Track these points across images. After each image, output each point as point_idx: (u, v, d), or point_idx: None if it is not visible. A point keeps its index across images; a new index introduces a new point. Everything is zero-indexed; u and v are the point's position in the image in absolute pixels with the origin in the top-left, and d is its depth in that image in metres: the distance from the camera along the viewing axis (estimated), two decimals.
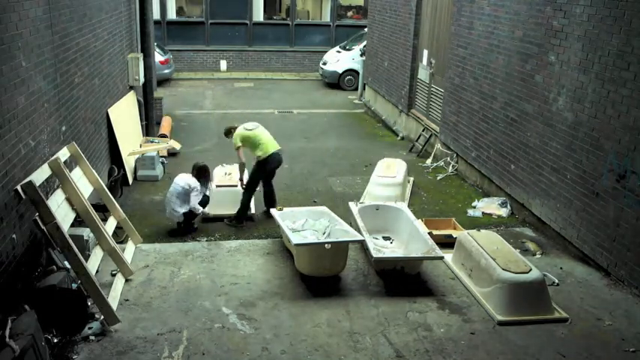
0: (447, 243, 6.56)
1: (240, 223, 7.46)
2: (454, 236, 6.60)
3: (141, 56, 10.33)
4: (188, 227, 7.22)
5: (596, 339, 5.12)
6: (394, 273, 6.02)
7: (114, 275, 5.82)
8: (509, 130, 7.98)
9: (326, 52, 18.67)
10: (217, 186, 7.89)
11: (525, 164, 7.58)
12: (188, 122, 12.94)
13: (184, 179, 7.15)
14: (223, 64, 19.69)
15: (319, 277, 5.93)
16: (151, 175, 9.10)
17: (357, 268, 6.28)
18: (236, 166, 8.16)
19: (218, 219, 7.53)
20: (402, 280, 5.99)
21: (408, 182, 8.92)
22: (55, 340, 4.69)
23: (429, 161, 10.38)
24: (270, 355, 4.78)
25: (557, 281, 6.05)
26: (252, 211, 7.74)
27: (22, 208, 5.14)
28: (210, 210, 7.51)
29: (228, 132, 7.77)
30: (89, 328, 4.93)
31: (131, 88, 10.38)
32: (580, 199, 6.50)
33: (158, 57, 15.40)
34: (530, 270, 5.50)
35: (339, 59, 17.65)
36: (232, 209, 7.51)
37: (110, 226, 6.42)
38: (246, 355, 4.78)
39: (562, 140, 6.81)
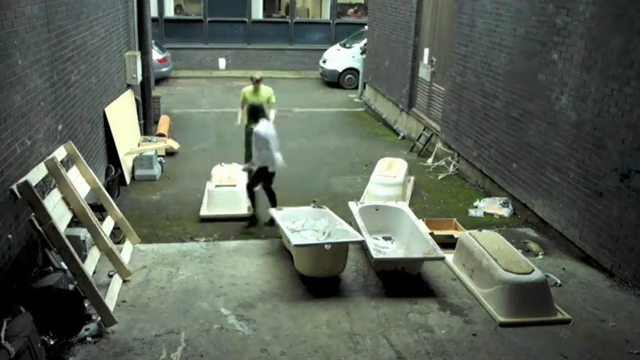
0: (448, 243, 6.50)
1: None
2: (455, 236, 6.54)
3: (138, 54, 10.29)
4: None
5: (600, 340, 5.07)
6: (395, 274, 5.96)
7: (111, 276, 5.77)
8: (511, 129, 7.93)
9: (326, 50, 18.61)
10: (216, 186, 7.87)
11: (527, 164, 7.53)
12: (186, 121, 12.89)
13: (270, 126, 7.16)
14: (222, 63, 19.63)
15: (319, 278, 5.88)
16: (148, 174, 9.04)
17: (357, 269, 6.23)
18: (234, 166, 8.38)
19: (217, 219, 7.48)
20: (403, 280, 5.94)
21: (409, 182, 8.86)
22: (52, 342, 4.65)
23: (429, 161, 10.33)
24: (270, 357, 4.73)
25: (559, 282, 6.00)
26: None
27: (18, 208, 5.09)
28: (209, 211, 7.65)
29: None
30: (86, 330, 4.88)
31: (129, 86, 10.33)
32: (583, 199, 6.44)
33: (156, 55, 15.37)
34: (533, 271, 5.45)
35: (339, 57, 17.60)
36: (230, 210, 7.58)
37: (107, 226, 6.37)
38: (245, 356, 4.73)
39: (565, 139, 6.76)
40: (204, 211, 7.60)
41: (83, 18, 7.35)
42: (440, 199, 8.59)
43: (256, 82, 8.77)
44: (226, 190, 7.76)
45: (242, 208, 7.67)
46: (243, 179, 7.99)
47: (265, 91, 8.88)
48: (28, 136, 5.34)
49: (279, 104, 14.97)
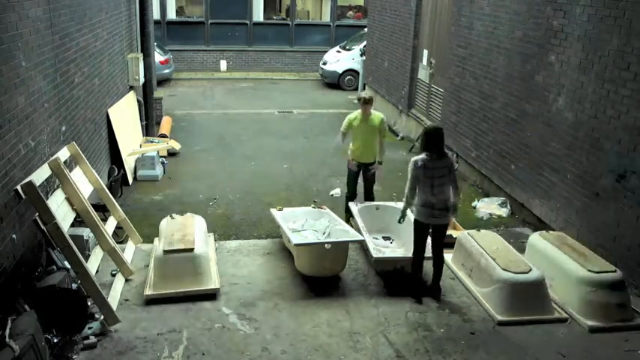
0: (446, 243, 6.54)
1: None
2: (454, 236, 6.59)
3: (141, 56, 10.34)
4: None
5: (596, 339, 5.12)
6: (394, 273, 6.01)
7: (114, 275, 5.82)
8: (509, 130, 7.98)
9: (326, 52, 18.67)
10: (165, 251, 5.58)
11: (525, 164, 7.58)
12: (188, 122, 12.94)
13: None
14: (223, 64, 19.68)
15: (319, 277, 5.93)
16: (150, 175, 9.10)
17: (357, 268, 6.28)
18: (189, 218, 6.42)
19: (169, 299, 5.53)
20: (402, 280, 5.98)
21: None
22: (55, 340, 4.69)
23: None
24: (271, 355, 4.78)
25: None
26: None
27: (22, 208, 5.14)
28: (157, 288, 5.57)
29: None
30: (89, 328, 4.92)
31: (131, 88, 10.39)
32: (580, 199, 6.50)
33: (158, 57, 15.41)
34: (530, 270, 5.50)
35: (339, 59, 17.65)
36: (188, 284, 5.56)
37: (110, 226, 6.42)
38: (246, 355, 4.78)
39: (562, 140, 6.81)
40: (148, 290, 5.55)
41: (86, 20, 7.41)
42: None
43: (365, 103, 6.95)
44: (180, 256, 5.58)
45: (204, 280, 5.63)
46: (202, 235, 6.02)
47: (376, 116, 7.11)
48: (32, 137, 5.39)
49: (280, 105, 15.15)
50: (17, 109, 5.04)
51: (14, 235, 4.95)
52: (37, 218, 5.02)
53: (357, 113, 7.07)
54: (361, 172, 7.28)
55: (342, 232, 6.22)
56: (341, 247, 5.90)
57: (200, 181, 9.14)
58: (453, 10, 9.70)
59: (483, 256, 5.77)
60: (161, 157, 9.62)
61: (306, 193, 8.74)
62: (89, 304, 5.05)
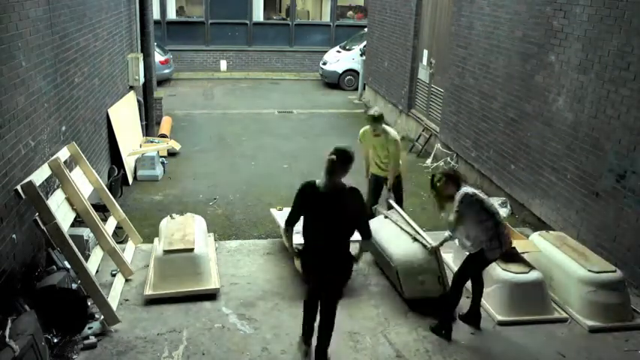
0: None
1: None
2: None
3: (141, 56, 10.34)
4: None
5: (597, 339, 5.12)
6: None
7: (114, 275, 5.82)
8: (509, 130, 7.98)
9: (326, 52, 18.67)
10: (165, 251, 5.58)
11: (525, 164, 7.58)
12: (188, 122, 12.94)
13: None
14: (223, 64, 19.69)
15: None
16: (150, 175, 9.10)
17: (357, 268, 6.26)
18: (189, 218, 6.35)
19: (170, 299, 5.52)
20: None
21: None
22: (55, 340, 4.69)
23: (428, 161, 10.38)
24: (270, 355, 4.78)
25: None
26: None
27: (22, 208, 5.14)
28: (156, 288, 5.57)
29: None
30: (89, 328, 4.92)
31: (131, 88, 10.39)
32: (580, 199, 6.50)
33: (158, 57, 15.41)
34: (530, 270, 5.50)
35: (339, 59, 17.65)
36: (188, 284, 5.55)
37: (110, 226, 6.42)
38: (246, 355, 4.78)
39: (562, 140, 6.81)
40: (148, 290, 5.54)
41: (86, 20, 7.41)
42: None
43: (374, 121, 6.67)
44: (180, 256, 5.57)
45: (204, 280, 5.62)
46: (202, 235, 6.00)
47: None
48: (32, 137, 5.39)
49: (280, 105, 15.14)
50: (17, 109, 5.04)
51: (14, 235, 4.95)
52: (37, 218, 5.03)
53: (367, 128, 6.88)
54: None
55: None
56: None
57: (200, 181, 9.14)
58: (453, 10, 9.70)
59: None
60: (161, 157, 9.62)
61: None
62: (89, 304, 5.06)
